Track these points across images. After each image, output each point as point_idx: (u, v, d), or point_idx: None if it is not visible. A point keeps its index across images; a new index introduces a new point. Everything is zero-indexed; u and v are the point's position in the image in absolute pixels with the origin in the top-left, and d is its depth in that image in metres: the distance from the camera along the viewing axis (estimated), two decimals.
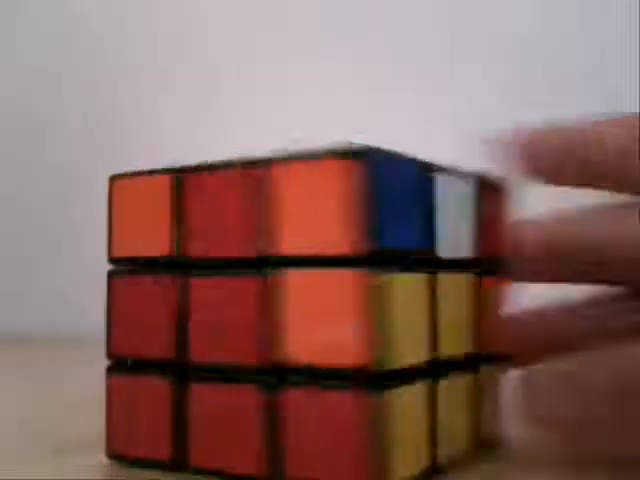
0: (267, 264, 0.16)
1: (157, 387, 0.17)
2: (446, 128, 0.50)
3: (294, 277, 0.15)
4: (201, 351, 0.16)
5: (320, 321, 0.15)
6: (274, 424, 0.15)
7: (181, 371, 0.17)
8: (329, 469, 0.15)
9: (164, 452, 0.17)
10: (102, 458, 0.18)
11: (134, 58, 0.58)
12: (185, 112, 0.57)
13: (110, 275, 0.18)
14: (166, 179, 0.17)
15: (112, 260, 0.18)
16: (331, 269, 0.15)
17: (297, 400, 0.15)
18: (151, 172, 0.18)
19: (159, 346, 0.17)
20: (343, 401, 0.15)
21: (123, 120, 0.59)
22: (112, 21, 0.59)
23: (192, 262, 0.17)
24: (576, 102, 0.48)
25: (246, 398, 0.16)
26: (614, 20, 0.48)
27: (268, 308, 0.16)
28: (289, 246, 0.15)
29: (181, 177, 0.17)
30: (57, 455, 0.19)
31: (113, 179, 0.18)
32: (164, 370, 0.17)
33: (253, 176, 0.16)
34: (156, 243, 0.17)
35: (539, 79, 0.49)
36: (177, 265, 0.17)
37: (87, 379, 0.32)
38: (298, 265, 0.15)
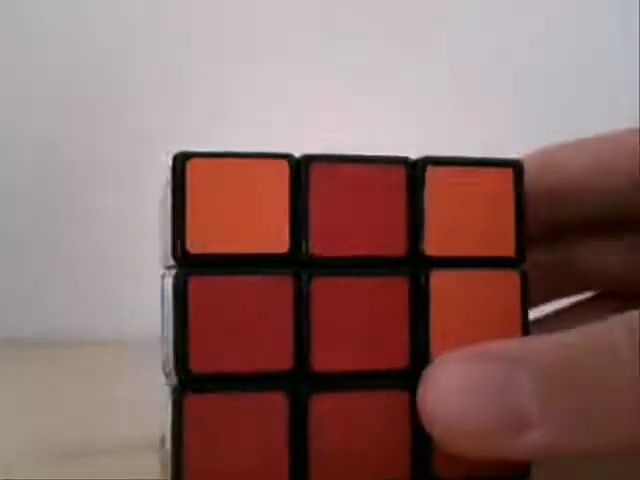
0: (416, 263, 0.15)
1: (270, 404, 0.14)
2: (446, 128, 0.50)
3: (446, 277, 0.15)
4: (327, 359, 0.14)
5: (472, 321, 0.15)
6: (421, 427, 0.14)
7: (301, 383, 0.14)
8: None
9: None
10: (109, 464, 0.18)
11: (134, 59, 0.58)
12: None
13: (185, 275, 0.14)
14: (282, 164, 0.15)
15: (186, 257, 0.14)
16: (494, 269, 0.15)
17: None
18: (254, 155, 0.15)
19: (272, 357, 0.14)
20: None
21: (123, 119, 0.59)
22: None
23: (314, 261, 0.15)
24: (576, 102, 0.48)
25: (394, 400, 0.15)
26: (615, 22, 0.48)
27: (416, 308, 0.15)
28: (441, 247, 0.15)
29: (305, 164, 0.15)
30: (61, 460, 0.19)
31: (186, 157, 0.14)
32: (277, 384, 0.14)
33: (402, 174, 0.15)
34: (266, 239, 0.14)
35: (539, 78, 0.49)
36: (292, 264, 0.15)
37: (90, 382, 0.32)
38: (446, 266, 0.15)
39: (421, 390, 0.14)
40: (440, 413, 0.13)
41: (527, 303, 0.16)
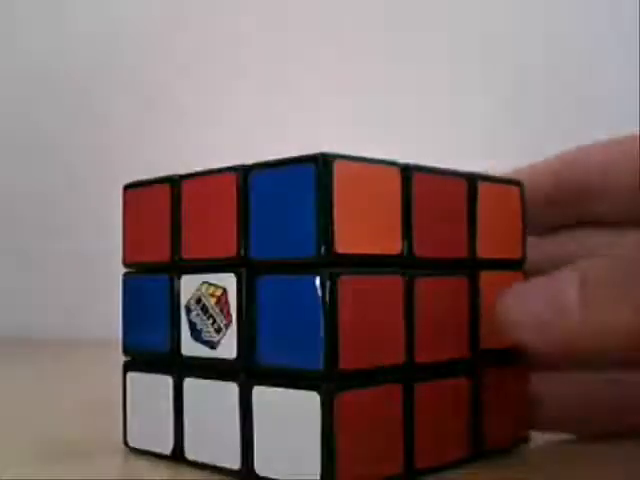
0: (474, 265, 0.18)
1: (388, 397, 0.16)
2: (447, 129, 0.50)
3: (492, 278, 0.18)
4: (426, 351, 0.16)
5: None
6: (480, 406, 0.18)
7: (408, 374, 0.16)
8: None
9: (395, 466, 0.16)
10: (109, 464, 0.18)
11: (131, 61, 0.58)
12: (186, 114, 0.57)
13: (336, 275, 0.15)
14: (394, 171, 0.16)
15: (333, 257, 0.15)
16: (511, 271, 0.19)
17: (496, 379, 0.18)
18: (375, 161, 0.16)
19: (393, 352, 0.16)
20: None
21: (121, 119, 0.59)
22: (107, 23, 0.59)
23: (419, 262, 0.16)
24: (576, 101, 0.48)
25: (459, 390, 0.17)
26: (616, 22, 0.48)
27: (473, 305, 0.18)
28: (487, 250, 0.18)
29: (409, 172, 0.16)
30: (60, 459, 0.19)
31: (332, 160, 0.15)
32: (394, 377, 0.16)
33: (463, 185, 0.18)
34: (385, 240, 0.16)
35: (539, 79, 0.49)
36: (403, 265, 0.16)
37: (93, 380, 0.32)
38: (490, 268, 0.18)
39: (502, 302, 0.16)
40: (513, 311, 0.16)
41: None
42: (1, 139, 0.61)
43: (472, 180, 0.18)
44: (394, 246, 0.16)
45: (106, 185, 0.54)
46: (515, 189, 0.19)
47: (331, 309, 0.14)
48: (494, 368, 0.18)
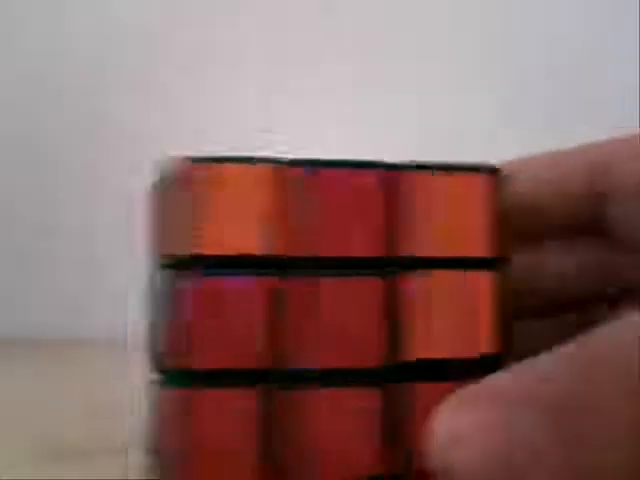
0: (394, 265, 0.16)
1: (246, 399, 0.15)
2: (446, 129, 0.50)
3: (427, 278, 0.16)
4: (309, 356, 0.15)
5: (451, 319, 0.15)
6: (398, 422, 0.15)
7: (278, 380, 0.15)
8: None
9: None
10: (109, 464, 0.18)
11: (131, 55, 0.58)
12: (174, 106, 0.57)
13: (179, 276, 0.15)
14: (268, 170, 0.15)
15: (178, 259, 0.15)
16: (470, 270, 0.16)
17: (425, 395, 0.15)
18: (241, 160, 0.15)
19: (254, 355, 0.15)
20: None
21: (120, 117, 0.59)
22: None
23: (295, 261, 0.15)
24: (575, 101, 0.48)
25: (368, 401, 0.15)
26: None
27: (393, 308, 0.15)
28: (421, 248, 0.16)
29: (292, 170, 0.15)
30: (60, 459, 0.19)
31: (188, 164, 0.15)
32: (252, 381, 0.15)
33: (391, 180, 0.16)
34: (247, 240, 0.15)
35: (540, 80, 0.49)
36: (274, 265, 0.15)
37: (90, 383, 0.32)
38: (427, 266, 0.16)
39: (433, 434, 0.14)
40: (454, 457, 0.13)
41: (502, 303, 0.16)
42: (1, 139, 0.61)
43: (394, 172, 0.16)
44: (259, 246, 0.15)
45: (106, 185, 0.54)
46: (482, 178, 0.16)
47: (170, 307, 0.15)
48: (423, 383, 0.15)
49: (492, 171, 0.16)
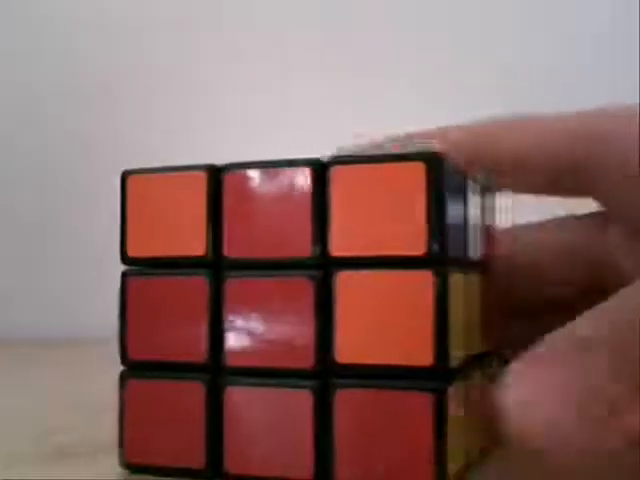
0: (323, 265, 0.15)
1: (189, 392, 0.16)
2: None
3: (354, 277, 0.15)
4: (239, 355, 0.16)
5: (381, 321, 0.15)
6: (326, 427, 0.15)
7: (216, 375, 0.16)
8: (383, 473, 0.15)
9: (197, 460, 0.16)
10: (109, 464, 0.18)
11: (131, 57, 0.58)
12: (178, 113, 0.57)
13: (126, 275, 0.17)
14: (201, 176, 0.16)
15: (128, 260, 0.17)
16: (399, 270, 0.15)
17: (351, 401, 0.15)
18: (178, 168, 0.17)
19: (191, 350, 0.16)
20: (405, 400, 0.14)
21: (121, 120, 0.59)
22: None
23: (231, 263, 0.16)
24: (576, 101, 0.48)
25: (299, 401, 0.15)
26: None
27: (322, 309, 0.15)
28: (348, 247, 0.15)
29: (219, 174, 0.16)
30: (60, 459, 0.19)
31: (127, 174, 0.17)
32: (197, 374, 0.16)
33: (306, 176, 0.15)
34: (187, 243, 0.16)
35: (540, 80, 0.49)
36: (212, 266, 0.16)
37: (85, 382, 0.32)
38: (354, 266, 0.15)
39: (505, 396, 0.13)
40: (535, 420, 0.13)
41: (445, 303, 0.15)
42: (1, 139, 0.61)
43: (318, 169, 0.15)
44: (197, 248, 0.16)
45: (106, 185, 0.53)
46: (416, 167, 0.15)
47: (122, 307, 0.17)
48: (347, 389, 0.15)
49: (428, 158, 0.15)
